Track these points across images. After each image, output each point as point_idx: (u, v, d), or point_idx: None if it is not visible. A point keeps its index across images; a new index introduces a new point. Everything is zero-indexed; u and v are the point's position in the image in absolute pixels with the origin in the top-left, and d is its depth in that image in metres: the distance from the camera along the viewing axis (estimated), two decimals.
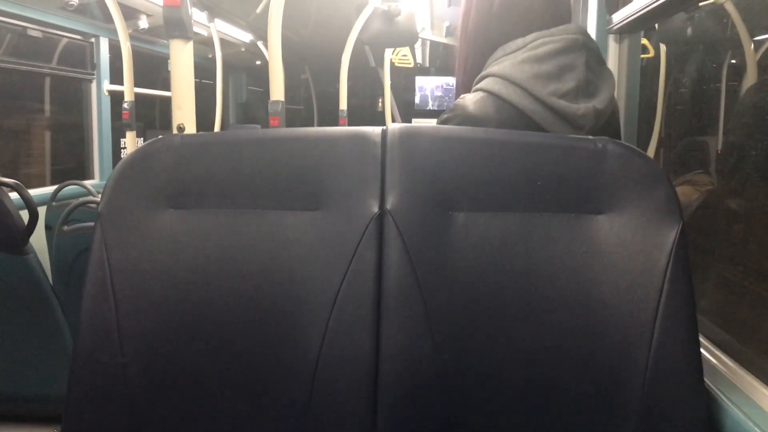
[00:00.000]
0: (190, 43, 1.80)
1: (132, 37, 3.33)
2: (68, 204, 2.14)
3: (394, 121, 4.87)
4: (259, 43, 4.72)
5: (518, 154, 0.74)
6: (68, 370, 0.74)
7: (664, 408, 0.69)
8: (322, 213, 0.74)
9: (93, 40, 3.70)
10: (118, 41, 3.19)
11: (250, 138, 0.79)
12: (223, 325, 0.73)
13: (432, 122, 0.89)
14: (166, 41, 3.64)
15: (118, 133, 3.97)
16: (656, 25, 2.28)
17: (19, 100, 3.47)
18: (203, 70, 5.21)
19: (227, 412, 0.73)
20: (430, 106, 5.88)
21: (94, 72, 3.75)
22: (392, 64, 5.23)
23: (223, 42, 4.10)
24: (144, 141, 3.20)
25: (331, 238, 0.73)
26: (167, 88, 4.39)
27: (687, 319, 0.70)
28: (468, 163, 0.74)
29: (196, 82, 1.87)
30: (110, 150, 3.90)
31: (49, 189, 3.03)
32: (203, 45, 4.34)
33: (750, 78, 1.78)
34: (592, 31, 1.58)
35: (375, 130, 0.76)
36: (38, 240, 2.17)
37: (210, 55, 4.58)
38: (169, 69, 1.93)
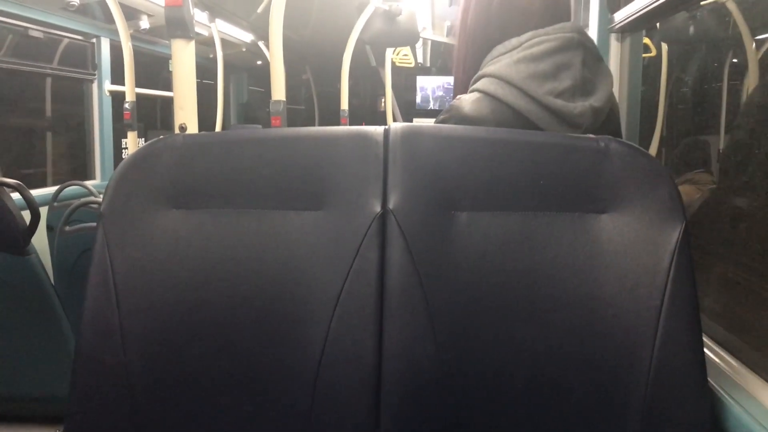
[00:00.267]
0: (192, 43, 1.80)
1: (133, 38, 3.34)
2: (70, 204, 2.15)
3: (395, 120, 4.87)
4: (260, 43, 4.72)
5: (521, 154, 0.74)
6: (70, 370, 0.74)
7: (667, 408, 0.69)
8: (324, 213, 0.74)
9: (94, 40, 3.71)
10: (120, 41, 3.19)
11: (252, 138, 0.79)
12: (225, 326, 0.73)
13: (433, 122, 0.89)
14: (167, 41, 3.64)
15: (119, 134, 3.97)
16: (658, 24, 2.28)
17: (19, 100, 3.47)
18: (204, 71, 5.22)
19: (229, 413, 0.73)
20: (431, 106, 5.89)
21: (96, 72, 3.75)
22: (393, 63, 5.23)
23: (225, 42, 4.10)
24: (145, 141, 3.20)
25: (334, 237, 0.73)
26: (168, 89, 4.40)
27: (690, 318, 0.70)
28: (470, 163, 0.74)
29: (197, 82, 1.87)
30: (112, 150, 3.91)
31: (51, 189, 3.03)
32: (204, 45, 4.34)
33: (751, 77, 1.78)
34: (593, 30, 1.58)
35: (377, 130, 0.76)
36: (40, 240, 2.17)
37: (211, 55, 4.58)
38: (171, 69, 1.92)
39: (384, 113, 4.89)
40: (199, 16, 3.62)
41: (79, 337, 0.74)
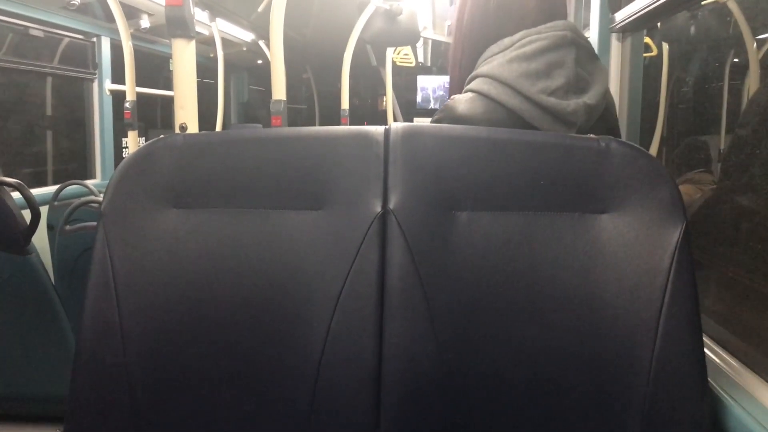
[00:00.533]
0: (193, 43, 1.80)
1: (134, 37, 3.34)
2: (70, 204, 2.15)
3: (396, 120, 4.87)
4: (261, 43, 4.72)
5: (521, 153, 0.74)
6: (70, 370, 0.74)
7: (668, 407, 0.69)
8: (324, 212, 0.74)
9: (95, 39, 3.70)
10: (120, 41, 3.19)
11: (253, 137, 0.78)
12: (226, 325, 0.73)
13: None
14: (167, 41, 3.65)
15: (119, 133, 3.97)
16: (659, 24, 2.28)
17: (20, 99, 3.47)
18: (205, 70, 5.22)
19: (230, 413, 0.73)
20: (432, 106, 5.90)
21: (96, 71, 3.75)
22: (394, 63, 5.23)
23: (225, 41, 4.10)
24: (146, 141, 3.20)
25: (334, 237, 0.73)
26: (169, 88, 4.40)
27: (691, 318, 0.70)
28: (471, 162, 0.74)
29: (197, 81, 1.87)
30: (112, 150, 3.91)
31: (51, 188, 3.03)
32: (205, 44, 4.34)
33: (752, 77, 1.78)
34: (594, 29, 1.58)
35: (378, 129, 0.76)
36: (40, 240, 2.17)
37: (212, 55, 4.59)
38: (171, 68, 1.93)
39: (384, 113, 4.89)
40: (200, 15, 3.62)
41: (79, 337, 0.74)
